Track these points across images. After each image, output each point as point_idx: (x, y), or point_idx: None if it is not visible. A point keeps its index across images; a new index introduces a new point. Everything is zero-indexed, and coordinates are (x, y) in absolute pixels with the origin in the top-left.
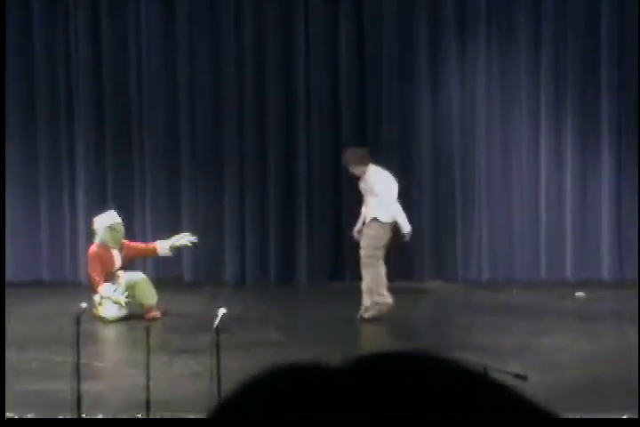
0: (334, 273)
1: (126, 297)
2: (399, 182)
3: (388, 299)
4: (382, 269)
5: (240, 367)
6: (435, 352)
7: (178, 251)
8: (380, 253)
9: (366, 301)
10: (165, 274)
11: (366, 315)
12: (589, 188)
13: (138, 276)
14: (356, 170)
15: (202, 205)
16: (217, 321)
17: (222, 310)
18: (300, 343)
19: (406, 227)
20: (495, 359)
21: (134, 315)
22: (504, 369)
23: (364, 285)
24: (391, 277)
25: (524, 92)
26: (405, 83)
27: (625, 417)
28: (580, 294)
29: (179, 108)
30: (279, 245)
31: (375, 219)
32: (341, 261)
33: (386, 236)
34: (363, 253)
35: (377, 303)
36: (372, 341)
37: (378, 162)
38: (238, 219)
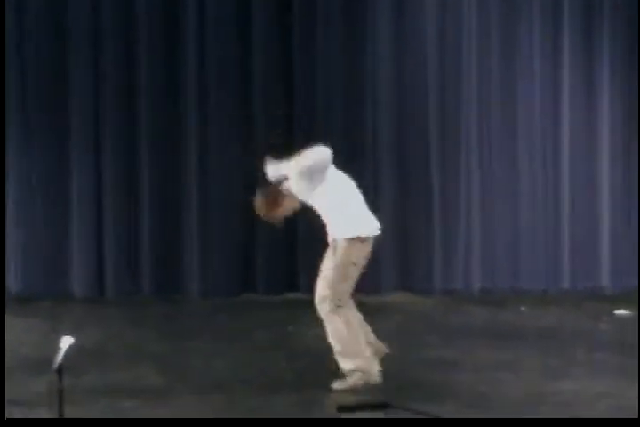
0: (246, 279)
1: None
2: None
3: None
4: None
5: None
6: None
7: None
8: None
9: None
10: None
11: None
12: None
13: None
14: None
15: (35, 174)
16: (60, 356)
17: (68, 340)
18: (192, 389)
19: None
20: (492, 413)
21: None
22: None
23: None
24: None
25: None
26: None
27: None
28: (621, 312)
29: None
30: (158, 236)
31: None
32: (253, 263)
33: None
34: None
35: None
36: (288, 378)
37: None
38: (93, 196)
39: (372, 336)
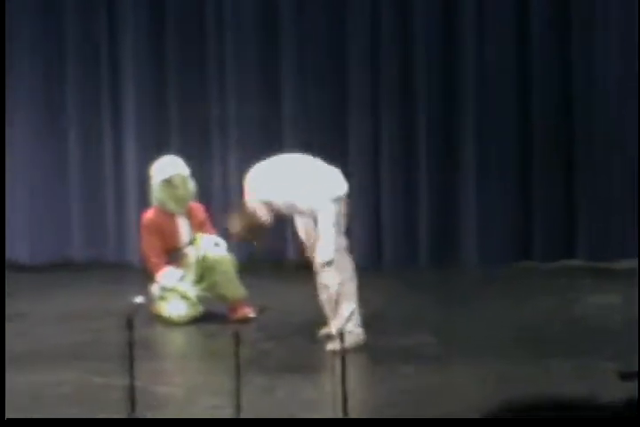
0: (523, 247)
1: (202, 288)
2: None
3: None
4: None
5: (377, 393)
6: None
7: None
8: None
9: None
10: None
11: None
12: None
13: (219, 253)
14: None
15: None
16: (344, 322)
17: (349, 306)
18: (467, 356)
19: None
20: None
21: (214, 314)
22: None
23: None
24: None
25: None
26: None
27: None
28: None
29: None
30: (434, 204)
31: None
32: (531, 230)
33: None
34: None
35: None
36: (565, 345)
37: None
38: (371, 163)
39: None
